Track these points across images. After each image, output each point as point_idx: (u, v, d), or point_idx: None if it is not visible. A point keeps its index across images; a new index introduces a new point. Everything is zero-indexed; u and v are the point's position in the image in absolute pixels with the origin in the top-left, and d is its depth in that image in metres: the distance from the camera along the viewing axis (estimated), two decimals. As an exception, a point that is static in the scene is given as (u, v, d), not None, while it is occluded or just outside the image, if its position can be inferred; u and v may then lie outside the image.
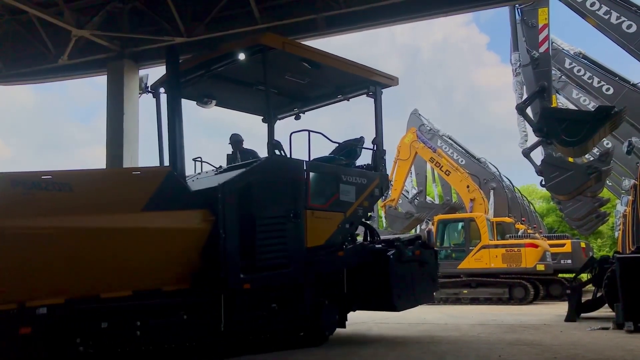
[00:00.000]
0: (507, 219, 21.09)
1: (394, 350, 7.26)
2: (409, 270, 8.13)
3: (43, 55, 13.00)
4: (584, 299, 11.75)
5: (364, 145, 8.57)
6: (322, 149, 8.58)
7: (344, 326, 8.11)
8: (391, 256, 7.90)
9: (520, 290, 17.72)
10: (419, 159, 25.15)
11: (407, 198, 28.68)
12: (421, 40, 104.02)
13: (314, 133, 7.65)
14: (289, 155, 7.46)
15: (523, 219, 23.30)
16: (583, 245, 21.49)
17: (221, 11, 11.59)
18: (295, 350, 7.11)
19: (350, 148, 8.47)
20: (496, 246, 18.46)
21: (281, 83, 8.57)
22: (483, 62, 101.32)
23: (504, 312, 14.11)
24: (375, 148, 8.51)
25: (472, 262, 18.46)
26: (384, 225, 31.46)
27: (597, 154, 15.84)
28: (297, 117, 9.65)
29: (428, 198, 30.24)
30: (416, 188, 29.05)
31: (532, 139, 13.57)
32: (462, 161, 24.65)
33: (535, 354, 6.79)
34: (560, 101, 21.18)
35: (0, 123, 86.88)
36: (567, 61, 19.00)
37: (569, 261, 20.17)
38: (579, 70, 18.63)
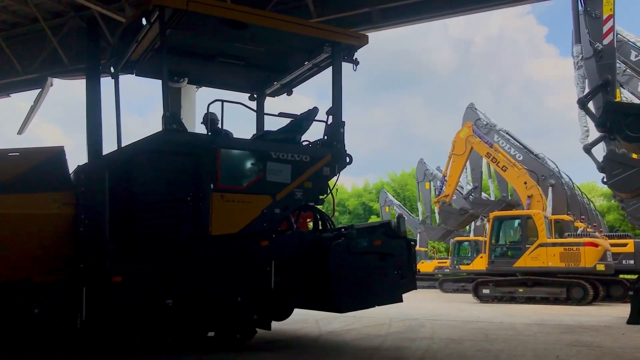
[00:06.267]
0: (565, 217, 20.54)
1: (448, 346, 7.16)
2: (363, 264, 6.75)
3: (104, 50, 13.41)
4: (647, 301, 11.30)
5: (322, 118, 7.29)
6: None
7: (268, 328, 6.75)
8: (335, 246, 6.60)
9: (579, 291, 17.22)
10: (475, 154, 24.72)
11: (462, 194, 28.28)
12: (475, 32, 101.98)
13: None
14: (208, 129, 6.67)
15: (582, 217, 22.61)
16: (647, 245, 20.68)
17: (276, 5, 11.69)
18: (187, 355, 6.17)
19: (296, 121, 7.35)
20: (554, 244, 18.00)
21: (241, 53, 7.54)
22: (541, 54, 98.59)
23: (562, 312, 13.73)
24: (329, 120, 7.17)
25: (529, 260, 18.05)
26: (437, 221, 31.12)
27: (664, 150, 15.20)
28: (289, 93, 8.68)
29: (483, 194, 29.69)
30: (471, 184, 28.58)
31: (594, 134, 13.17)
32: (519, 157, 24.04)
33: (596, 356, 6.55)
34: (625, 95, 20.33)
35: (62, 115, 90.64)
36: (633, 53, 18.26)
37: (632, 261, 19.44)
38: (645, 63, 17.89)
